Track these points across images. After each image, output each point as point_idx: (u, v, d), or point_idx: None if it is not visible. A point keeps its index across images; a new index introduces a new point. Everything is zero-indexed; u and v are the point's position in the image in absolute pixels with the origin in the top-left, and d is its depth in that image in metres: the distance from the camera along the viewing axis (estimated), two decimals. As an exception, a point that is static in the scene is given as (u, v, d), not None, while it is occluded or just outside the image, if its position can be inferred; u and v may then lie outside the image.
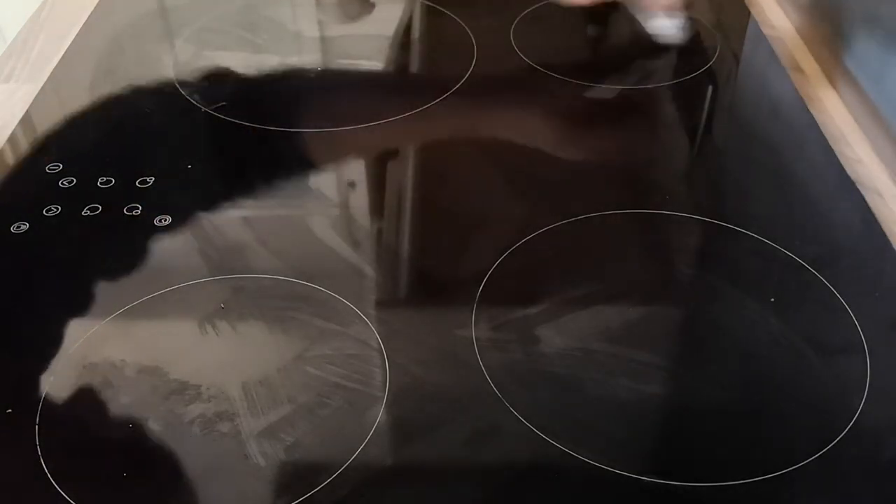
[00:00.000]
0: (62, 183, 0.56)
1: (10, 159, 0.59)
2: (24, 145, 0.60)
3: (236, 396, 0.43)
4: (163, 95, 0.65)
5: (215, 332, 0.47)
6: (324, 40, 0.75)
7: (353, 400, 0.43)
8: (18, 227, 0.52)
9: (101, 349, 0.45)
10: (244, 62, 0.70)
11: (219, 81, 0.67)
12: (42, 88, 0.65)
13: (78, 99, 0.65)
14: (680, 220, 0.54)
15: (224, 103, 0.63)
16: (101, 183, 0.56)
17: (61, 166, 0.57)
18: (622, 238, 0.54)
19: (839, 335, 0.47)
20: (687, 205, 0.55)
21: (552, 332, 0.48)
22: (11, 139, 0.60)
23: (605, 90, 0.67)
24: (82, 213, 0.54)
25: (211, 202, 0.56)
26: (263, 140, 0.61)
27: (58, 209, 0.54)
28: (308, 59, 0.72)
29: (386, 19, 0.77)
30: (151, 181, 0.56)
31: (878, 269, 0.52)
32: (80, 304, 0.49)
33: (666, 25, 0.68)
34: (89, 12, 0.74)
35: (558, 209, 0.54)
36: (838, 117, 0.63)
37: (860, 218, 0.54)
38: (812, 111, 0.63)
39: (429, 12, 0.76)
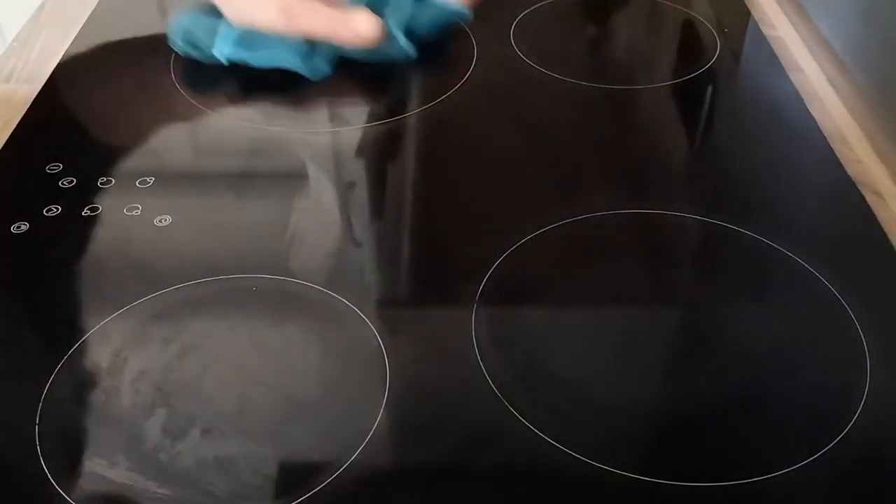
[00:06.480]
0: (62, 183, 0.56)
1: (11, 159, 0.59)
2: (24, 145, 0.60)
3: (236, 397, 0.43)
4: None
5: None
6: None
7: (353, 400, 0.43)
8: (18, 227, 0.52)
9: (102, 349, 0.45)
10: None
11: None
12: (42, 88, 0.65)
13: (78, 99, 0.65)
14: (680, 220, 0.54)
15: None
16: (101, 183, 0.56)
17: (61, 166, 0.57)
18: (622, 238, 0.54)
19: (839, 335, 0.47)
20: (687, 205, 0.55)
21: (552, 331, 0.48)
22: (11, 139, 0.60)
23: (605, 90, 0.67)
24: (82, 214, 0.54)
25: (212, 201, 0.57)
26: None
27: (58, 209, 0.54)
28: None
29: (386, 19, 0.76)
30: (152, 181, 0.56)
31: (877, 269, 0.51)
32: (80, 304, 0.49)
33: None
34: (89, 12, 0.74)
35: (558, 209, 0.54)
36: (838, 117, 0.63)
37: (860, 218, 0.54)
38: (812, 111, 0.63)
39: (429, 12, 0.76)
